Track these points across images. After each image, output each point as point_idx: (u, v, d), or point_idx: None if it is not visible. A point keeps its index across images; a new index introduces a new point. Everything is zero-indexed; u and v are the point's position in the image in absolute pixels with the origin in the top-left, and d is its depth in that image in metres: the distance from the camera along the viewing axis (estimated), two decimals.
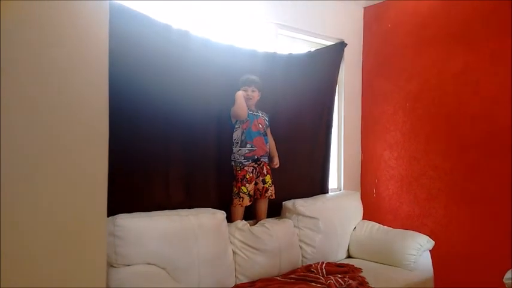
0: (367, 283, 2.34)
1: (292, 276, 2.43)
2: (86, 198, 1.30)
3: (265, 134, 2.68)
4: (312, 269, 2.50)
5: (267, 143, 2.68)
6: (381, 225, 3.01)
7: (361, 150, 3.65)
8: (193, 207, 2.39)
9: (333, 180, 3.48)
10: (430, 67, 3.14)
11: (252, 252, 2.42)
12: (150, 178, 2.35)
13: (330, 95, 3.34)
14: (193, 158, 2.50)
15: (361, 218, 3.16)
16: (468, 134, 2.92)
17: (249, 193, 2.56)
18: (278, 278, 2.42)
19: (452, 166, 3.01)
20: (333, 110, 3.38)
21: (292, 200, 2.85)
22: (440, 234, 2.98)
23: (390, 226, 3.03)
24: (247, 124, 2.59)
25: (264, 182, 2.64)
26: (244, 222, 2.53)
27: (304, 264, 2.65)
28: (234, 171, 2.58)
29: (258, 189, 2.64)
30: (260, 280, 2.36)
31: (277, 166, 2.75)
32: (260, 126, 2.64)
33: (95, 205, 1.32)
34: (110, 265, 2.01)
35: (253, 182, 2.59)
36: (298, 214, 2.77)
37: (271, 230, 2.54)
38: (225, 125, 2.61)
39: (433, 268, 2.73)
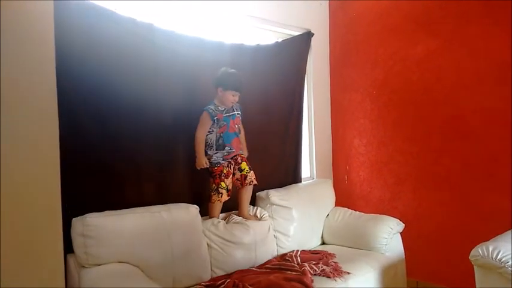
0: (341, 268, 2.38)
1: (268, 266, 2.45)
2: (38, 199, 1.25)
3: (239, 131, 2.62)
4: (287, 258, 2.53)
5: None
6: (353, 211, 3.07)
7: (332, 138, 3.70)
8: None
9: (306, 169, 3.52)
10: (394, 54, 3.21)
11: (227, 245, 2.42)
12: (120, 176, 2.31)
13: (299, 85, 3.36)
14: (164, 154, 2.48)
15: (334, 205, 3.21)
16: (433, 118, 3.01)
17: (227, 188, 2.51)
18: (254, 268, 2.43)
19: (419, 151, 3.09)
20: (303, 100, 3.41)
21: (265, 191, 2.87)
22: (410, 216, 3.06)
23: (362, 211, 3.09)
24: (224, 128, 2.49)
25: (240, 170, 2.58)
26: (219, 220, 2.52)
27: (279, 254, 2.67)
28: (210, 169, 2.51)
29: (236, 179, 2.58)
30: (236, 272, 2.37)
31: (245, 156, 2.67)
32: (236, 126, 2.57)
33: (47, 207, 1.28)
34: (81, 266, 1.97)
35: (230, 176, 2.54)
36: (272, 204, 2.79)
37: (247, 224, 2.54)
38: (194, 119, 2.58)
39: (404, 250, 2.81)
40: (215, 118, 2.44)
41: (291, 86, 3.28)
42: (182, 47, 2.53)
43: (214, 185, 2.50)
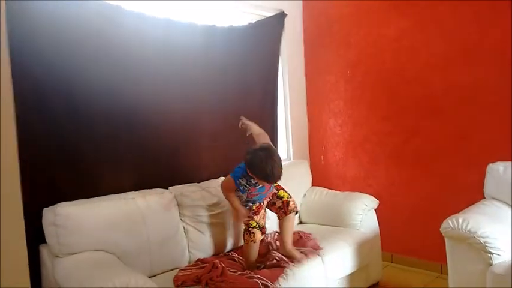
0: (318, 245, 2.41)
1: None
2: None
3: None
4: (265, 242, 2.54)
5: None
6: (329, 190, 3.11)
7: (308, 119, 3.72)
8: None
9: (282, 150, 3.53)
10: (367, 35, 3.22)
11: (204, 227, 2.42)
12: (93, 163, 2.27)
13: (273, 66, 3.34)
14: (137, 138, 2.43)
15: (311, 185, 3.24)
16: (405, 98, 3.05)
17: (259, 225, 2.26)
18: (231, 253, 2.43)
19: (392, 130, 3.14)
20: (277, 81, 3.39)
21: None
22: (384, 193, 3.13)
23: (338, 190, 3.14)
24: (256, 195, 2.24)
25: (279, 197, 2.35)
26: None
27: None
28: None
29: (277, 207, 2.35)
30: (217, 256, 2.37)
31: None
32: (272, 197, 2.35)
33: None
34: (55, 255, 1.95)
35: (263, 210, 2.30)
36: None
37: (222, 203, 2.54)
38: (167, 100, 2.54)
39: (379, 225, 2.87)
40: (243, 191, 2.21)
41: (265, 68, 3.26)
42: (152, 28, 2.47)
43: (244, 226, 2.28)
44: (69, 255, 1.92)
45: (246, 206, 2.28)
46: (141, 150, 2.45)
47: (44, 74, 2.06)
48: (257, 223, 2.25)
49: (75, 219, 1.96)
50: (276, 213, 2.38)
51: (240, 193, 2.23)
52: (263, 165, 2.03)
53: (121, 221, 2.09)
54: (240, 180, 2.17)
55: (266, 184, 2.15)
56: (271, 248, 2.44)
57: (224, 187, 2.28)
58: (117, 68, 2.32)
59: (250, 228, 2.24)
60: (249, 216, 2.24)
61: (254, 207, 2.26)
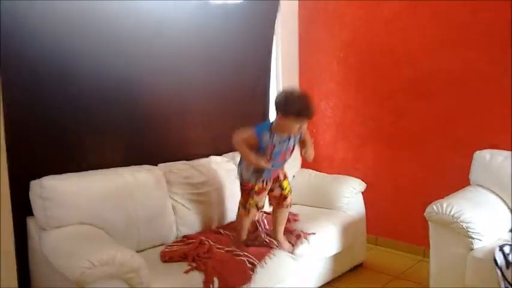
0: (305, 232, 2.43)
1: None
2: None
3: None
4: (254, 222, 2.56)
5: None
6: (318, 172, 3.13)
7: None
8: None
9: None
10: (361, 16, 3.19)
11: (192, 204, 2.43)
12: (81, 138, 2.24)
13: (267, 44, 3.31)
14: (128, 116, 2.41)
15: (300, 167, 3.26)
16: (395, 80, 3.05)
17: (257, 205, 2.22)
18: (221, 230, 2.45)
19: (381, 112, 3.16)
20: (271, 60, 3.36)
21: (231, 153, 2.86)
22: (371, 176, 3.16)
23: (327, 173, 3.17)
24: (270, 160, 2.11)
25: (281, 187, 2.28)
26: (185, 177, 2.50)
27: None
28: (240, 181, 2.26)
29: (274, 196, 2.28)
30: (203, 231, 2.39)
31: (310, 158, 2.26)
32: (288, 155, 2.22)
33: None
34: (42, 228, 1.94)
35: (264, 193, 2.24)
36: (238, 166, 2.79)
37: (211, 181, 2.54)
38: (157, 76, 2.50)
39: (365, 208, 2.92)
40: (263, 148, 2.08)
41: (259, 46, 3.22)
42: (144, 3, 2.41)
43: (241, 199, 2.24)
44: (56, 228, 1.92)
45: (249, 175, 2.16)
46: (130, 126, 2.43)
47: (31, 48, 2.01)
48: (256, 202, 2.21)
49: (62, 192, 1.95)
50: (269, 201, 2.33)
51: (259, 151, 2.08)
52: (297, 100, 2.01)
53: (109, 196, 2.08)
54: (264, 138, 2.06)
55: (295, 128, 2.02)
56: (259, 227, 2.46)
57: (240, 141, 2.09)
58: (107, 42, 2.28)
59: (247, 205, 2.20)
60: (250, 195, 2.18)
61: (256, 188, 2.16)
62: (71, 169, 2.11)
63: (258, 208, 2.24)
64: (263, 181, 2.18)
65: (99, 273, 1.58)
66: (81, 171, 2.14)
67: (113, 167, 2.27)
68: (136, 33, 2.39)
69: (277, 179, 2.27)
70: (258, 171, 2.14)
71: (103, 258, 1.59)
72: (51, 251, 1.81)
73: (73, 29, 2.14)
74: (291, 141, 2.14)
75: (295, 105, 1.99)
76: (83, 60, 2.20)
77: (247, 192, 2.21)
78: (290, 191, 2.32)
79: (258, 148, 2.08)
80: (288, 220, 2.55)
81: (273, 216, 2.34)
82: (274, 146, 2.08)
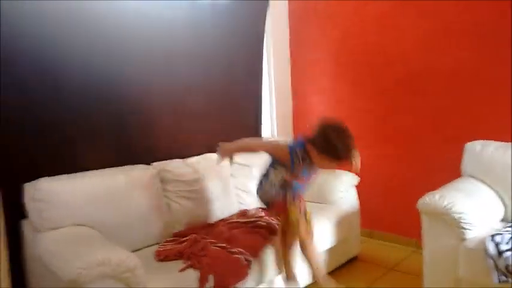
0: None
1: (231, 221, 2.49)
2: None
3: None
4: (249, 214, 2.58)
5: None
6: None
7: (292, 97, 3.72)
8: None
9: (266, 127, 3.54)
10: (353, 13, 3.20)
11: (187, 202, 2.44)
12: (73, 139, 2.24)
13: (258, 42, 3.31)
14: (120, 116, 2.41)
15: None
16: (387, 77, 3.07)
17: (305, 214, 2.08)
18: (216, 223, 2.46)
19: (374, 108, 3.18)
20: (262, 57, 3.36)
21: None
22: (365, 171, 3.13)
23: None
24: (297, 178, 2.02)
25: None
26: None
27: (240, 210, 2.72)
28: (267, 203, 2.13)
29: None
30: (199, 226, 2.40)
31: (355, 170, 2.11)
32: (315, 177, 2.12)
33: None
34: (37, 230, 1.94)
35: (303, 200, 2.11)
36: (232, 163, 2.80)
37: (205, 179, 2.55)
38: (148, 72, 2.49)
39: (360, 202, 2.94)
40: (292, 168, 1.97)
41: (250, 44, 3.23)
42: (134, 2, 2.40)
43: (280, 219, 2.08)
44: (51, 230, 1.92)
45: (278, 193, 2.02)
46: (122, 126, 2.43)
47: (20, 48, 2.00)
48: (304, 212, 2.04)
49: (56, 194, 1.95)
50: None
51: (284, 169, 1.96)
52: (340, 144, 1.83)
53: (103, 196, 2.09)
54: (295, 158, 1.92)
55: (329, 167, 1.92)
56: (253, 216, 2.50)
57: (271, 147, 2.03)
58: (97, 42, 2.27)
59: (292, 218, 2.02)
60: (286, 207, 2.00)
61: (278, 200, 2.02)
62: (63, 171, 2.11)
63: (307, 220, 2.02)
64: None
65: (95, 273, 1.59)
66: (73, 172, 2.13)
67: (106, 167, 2.26)
68: (126, 32, 2.38)
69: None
70: (283, 187, 2.00)
71: (99, 259, 1.59)
72: (46, 253, 1.80)
73: (63, 29, 2.13)
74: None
75: (337, 149, 1.83)
76: (74, 61, 2.19)
77: (282, 204, 2.00)
78: (311, 221, 2.14)
79: (289, 166, 1.96)
80: None
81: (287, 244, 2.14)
82: (303, 166, 1.96)
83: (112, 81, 2.35)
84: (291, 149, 1.95)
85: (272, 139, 2.03)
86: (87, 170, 2.19)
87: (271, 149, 2.03)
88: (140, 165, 2.36)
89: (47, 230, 1.92)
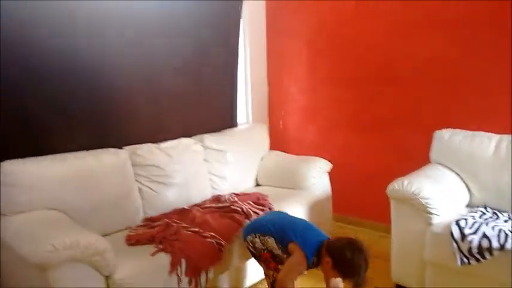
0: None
1: (204, 206, 2.49)
2: None
3: None
4: (223, 199, 2.59)
5: None
6: (286, 154, 3.18)
7: (268, 84, 3.71)
8: None
9: (242, 114, 3.53)
10: (329, 2, 3.18)
11: (159, 186, 2.42)
12: (45, 122, 2.18)
13: (234, 29, 3.27)
14: (93, 99, 2.35)
15: (268, 148, 3.29)
16: (364, 66, 3.10)
17: None
18: (189, 208, 2.45)
19: (350, 96, 3.21)
20: (238, 44, 3.33)
21: (199, 135, 2.86)
22: (339, 158, 3.22)
23: (296, 154, 3.21)
24: None
25: None
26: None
27: (214, 195, 2.72)
28: (254, 253, 2.07)
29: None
30: (172, 212, 2.39)
31: None
32: None
33: None
34: (3, 214, 1.90)
35: None
36: (206, 148, 2.80)
37: (178, 163, 2.54)
38: (126, 62, 2.45)
39: (334, 188, 2.99)
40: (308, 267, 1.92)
41: (226, 30, 3.19)
42: None
43: (272, 272, 1.98)
44: (18, 213, 1.88)
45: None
46: (95, 109, 2.38)
47: None
48: None
49: (24, 177, 1.91)
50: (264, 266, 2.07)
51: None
52: (357, 268, 1.79)
53: (72, 180, 2.05)
54: (311, 259, 1.89)
55: (336, 275, 1.86)
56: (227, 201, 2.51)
57: (290, 268, 1.89)
58: (70, 24, 2.20)
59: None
60: (276, 261, 1.97)
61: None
62: (33, 153, 2.06)
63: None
64: None
65: (63, 257, 1.57)
66: (43, 155, 2.08)
67: (77, 150, 2.22)
68: (98, 15, 2.32)
69: None
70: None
71: (66, 242, 1.57)
72: (13, 236, 1.77)
73: (32, 12, 2.06)
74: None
75: (351, 273, 1.81)
76: (45, 43, 2.12)
77: (271, 259, 1.97)
78: None
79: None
80: (258, 199, 2.59)
81: None
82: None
83: (83, 64, 2.29)
84: (308, 254, 1.89)
85: (292, 264, 1.90)
86: (58, 152, 2.14)
87: (294, 273, 1.91)
88: (111, 149, 2.32)
89: (14, 214, 1.88)
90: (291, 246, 1.92)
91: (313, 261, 1.91)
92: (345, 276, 1.84)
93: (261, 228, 2.04)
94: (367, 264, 1.82)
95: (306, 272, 1.98)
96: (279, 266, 1.94)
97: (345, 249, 1.83)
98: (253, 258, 2.12)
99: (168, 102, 2.76)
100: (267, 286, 2.11)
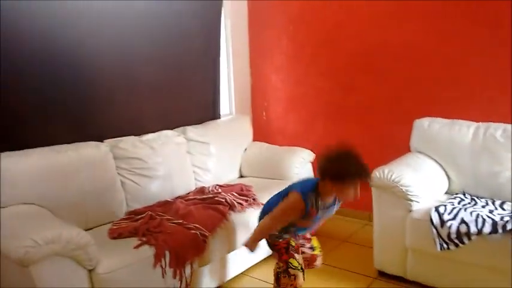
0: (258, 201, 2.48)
1: (188, 198, 2.48)
2: None
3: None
4: (206, 191, 2.59)
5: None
6: (269, 145, 3.19)
7: (251, 75, 3.71)
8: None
9: (225, 105, 3.52)
10: None
11: (142, 179, 2.41)
12: (23, 115, 2.13)
13: (216, 19, 3.25)
14: (73, 92, 2.31)
15: (252, 139, 3.29)
16: (344, 55, 3.12)
17: (301, 267, 1.87)
18: (173, 200, 2.44)
19: (330, 86, 3.23)
20: (220, 34, 3.31)
21: (182, 127, 2.84)
22: (321, 147, 3.22)
23: (279, 145, 3.22)
24: (308, 224, 1.89)
25: (312, 248, 2.05)
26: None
27: (198, 187, 2.72)
28: (270, 242, 1.93)
29: (304, 258, 1.97)
30: (156, 204, 2.38)
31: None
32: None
33: None
34: None
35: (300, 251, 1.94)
36: (189, 140, 2.79)
37: (161, 156, 2.52)
38: (107, 54, 2.41)
39: (315, 177, 3.00)
40: (307, 212, 1.80)
41: (207, 20, 3.16)
42: None
43: (281, 264, 1.85)
44: None
45: (282, 236, 1.89)
46: (74, 101, 2.33)
47: None
48: (300, 264, 1.86)
49: (3, 171, 1.86)
50: None
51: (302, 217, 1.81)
52: (353, 162, 1.73)
53: (52, 174, 2.02)
54: (309, 203, 1.78)
55: (352, 193, 1.76)
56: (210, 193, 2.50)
57: (283, 211, 1.80)
58: (50, 14, 2.16)
59: (291, 270, 1.83)
60: (289, 254, 1.85)
61: (293, 243, 1.88)
62: (11, 147, 2.01)
63: (303, 271, 1.87)
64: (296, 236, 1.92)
65: (44, 251, 1.55)
66: (22, 149, 2.04)
67: (55, 144, 2.18)
68: (77, 5, 2.27)
69: (304, 237, 2.03)
70: (287, 231, 1.88)
71: (47, 237, 1.55)
72: None
73: (12, 3, 2.00)
74: (335, 207, 1.92)
75: (352, 169, 1.72)
76: (24, 32, 2.07)
77: (284, 250, 1.86)
78: (320, 250, 2.07)
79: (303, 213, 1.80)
80: (241, 189, 2.60)
81: None
82: (317, 211, 1.82)
83: (62, 55, 2.24)
84: (304, 196, 1.78)
85: (282, 207, 1.82)
86: (37, 146, 2.10)
87: (289, 214, 1.82)
88: (92, 142, 2.29)
89: None
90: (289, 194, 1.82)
91: (313, 199, 1.77)
92: (348, 177, 1.71)
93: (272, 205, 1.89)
94: (361, 159, 1.75)
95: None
96: (290, 260, 1.83)
97: (327, 161, 1.76)
98: (236, 250, 2.12)
99: (148, 94, 2.74)
100: (250, 276, 2.11)
